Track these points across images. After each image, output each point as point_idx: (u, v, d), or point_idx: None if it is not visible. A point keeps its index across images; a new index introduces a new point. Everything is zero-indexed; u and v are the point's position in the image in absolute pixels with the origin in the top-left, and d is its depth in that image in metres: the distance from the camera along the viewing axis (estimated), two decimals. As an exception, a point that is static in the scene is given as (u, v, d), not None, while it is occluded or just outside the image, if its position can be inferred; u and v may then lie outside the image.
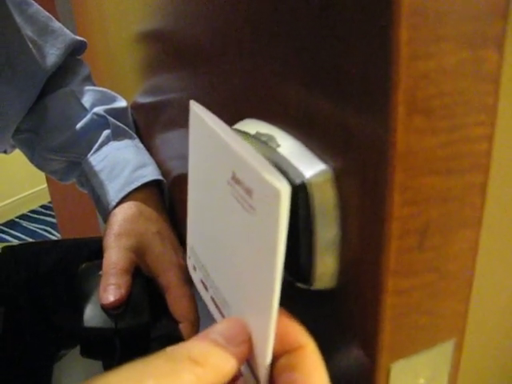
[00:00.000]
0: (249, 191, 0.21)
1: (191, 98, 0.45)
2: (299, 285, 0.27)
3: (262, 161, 0.21)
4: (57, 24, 0.62)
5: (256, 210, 0.21)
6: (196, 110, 0.27)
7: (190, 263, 0.30)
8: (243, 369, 0.23)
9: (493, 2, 0.21)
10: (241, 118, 0.32)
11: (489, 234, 0.26)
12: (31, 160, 0.64)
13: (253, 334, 0.22)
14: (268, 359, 0.21)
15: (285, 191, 0.19)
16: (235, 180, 0.22)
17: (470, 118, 0.22)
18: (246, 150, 0.21)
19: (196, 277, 0.29)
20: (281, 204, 0.19)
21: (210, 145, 0.25)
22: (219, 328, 0.22)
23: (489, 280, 0.28)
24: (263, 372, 0.22)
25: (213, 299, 0.27)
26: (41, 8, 0.61)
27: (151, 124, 0.61)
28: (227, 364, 0.21)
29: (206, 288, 0.28)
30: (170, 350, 0.21)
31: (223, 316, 0.25)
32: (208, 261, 0.27)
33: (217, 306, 0.26)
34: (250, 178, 0.21)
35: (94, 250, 0.56)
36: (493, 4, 0.21)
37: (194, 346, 0.21)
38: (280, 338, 0.21)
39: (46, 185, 1.71)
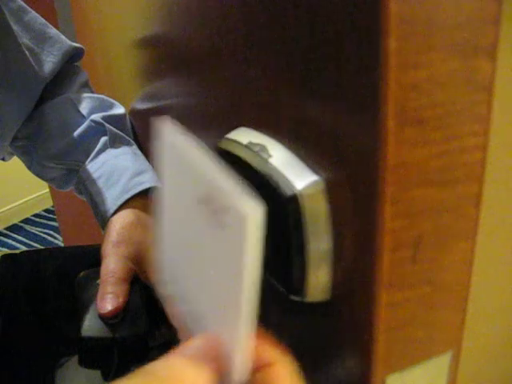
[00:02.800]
0: (219, 211, 0.21)
1: (187, 105, 0.45)
2: (292, 297, 0.26)
3: (234, 181, 0.20)
4: (53, 31, 0.61)
5: (226, 231, 0.20)
6: (163, 131, 0.26)
7: (159, 278, 0.30)
8: None
9: (484, 9, 0.20)
10: (235, 126, 0.32)
11: (486, 242, 0.25)
12: (29, 167, 0.64)
13: (226, 351, 0.22)
14: (242, 375, 0.21)
15: (254, 216, 0.18)
16: (207, 200, 0.22)
17: (463, 128, 0.22)
18: (218, 169, 0.21)
19: (166, 291, 0.29)
20: (249, 228, 0.18)
21: (180, 161, 0.25)
22: (192, 344, 0.22)
23: (486, 288, 0.28)
24: None
25: (185, 314, 0.26)
26: (37, 15, 0.60)
27: (149, 130, 0.60)
28: (200, 380, 0.21)
29: (177, 303, 0.27)
30: (145, 368, 0.21)
31: (196, 331, 0.25)
32: (179, 276, 0.27)
33: (189, 321, 0.26)
34: (221, 200, 0.20)
35: (94, 257, 0.56)
36: (484, 12, 0.20)
37: (168, 363, 0.21)
38: (254, 355, 0.21)
39: (48, 189, 1.71)
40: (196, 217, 0.23)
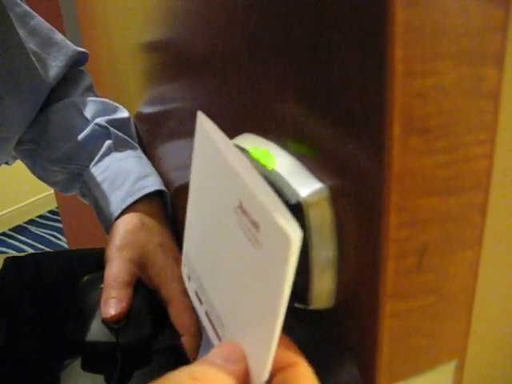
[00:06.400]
0: (256, 225, 0.21)
1: (192, 110, 0.45)
2: (296, 304, 0.26)
3: (271, 195, 0.20)
4: (59, 36, 0.62)
5: (263, 246, 0.21)
6: (203, 122, 0.26)
7: (184, 271, 0.30)
8: None
9: (491, 17, 0.20)
10: (240, 131, 0.32)
11: (491, 250, 0.25)
12: (33, 171, 0.64)
13: (251, 354, 0.22)
14: (264, 378, 0.22)
15: (296, 239, 0.18)
16: (242, 210, 0.22)
17: (469, 136, 0.21)
18: (254, 178, 0.21)
19: (190, 287, 0.29)
20: (291, 251, 0.19)
21: (216, 164, 0.24)
22: (215, 351, 0.23)
23: (491, 297, 0.28)
24: None
25: (207, 314, 0.26)
26: (43, 20, 0.61)
27: (154, 134, 0.60)
28: (225, 380, 0.22)
29: (200, 301, 0.27)
30: (171, 374, 0.22)
31: (216, 332, 0.25)
32: (204, 276, 0.27)
33: (211, 322, 0.26)
34: (259, 214, 0.21)
35: (98, 261, 0.56)
36: (491, 19, 0.20)
37: (194, 367, 0.22)
38: (275, 356, 0.22)
39: (53, 190, 1.71)
40: (229, 223, 0.23)
